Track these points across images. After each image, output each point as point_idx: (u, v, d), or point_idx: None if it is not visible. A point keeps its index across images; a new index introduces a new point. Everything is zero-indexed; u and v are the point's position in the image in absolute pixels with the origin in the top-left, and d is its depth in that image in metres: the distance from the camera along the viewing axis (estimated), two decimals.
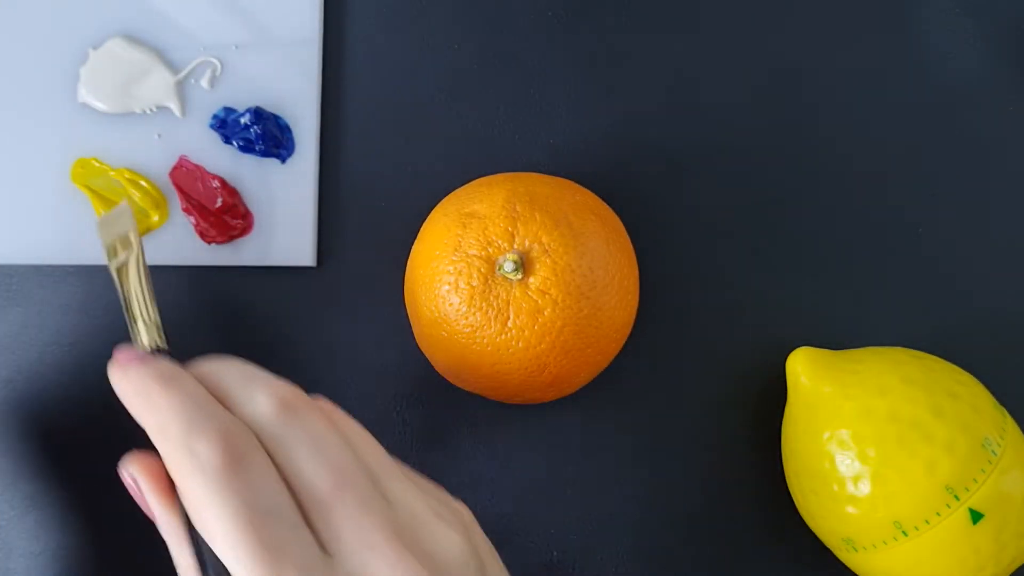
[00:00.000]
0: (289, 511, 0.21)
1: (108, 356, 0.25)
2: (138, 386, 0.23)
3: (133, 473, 0.23)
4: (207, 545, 0.21)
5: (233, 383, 0.24)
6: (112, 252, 0.28)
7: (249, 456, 0.21)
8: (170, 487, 0.23)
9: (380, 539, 0.21)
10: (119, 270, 0.28)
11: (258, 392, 0.23)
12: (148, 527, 0.33)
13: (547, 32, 0.36)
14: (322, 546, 0.21)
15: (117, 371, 0.24)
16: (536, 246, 0.28)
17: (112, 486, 0.33)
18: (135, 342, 0.26)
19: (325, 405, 0.24)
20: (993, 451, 0.27)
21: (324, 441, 0.23)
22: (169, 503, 0.23)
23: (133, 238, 0.28)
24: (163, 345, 0.26)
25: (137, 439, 0.26)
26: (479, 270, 0.28)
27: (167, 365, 0.24)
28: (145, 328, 0.26)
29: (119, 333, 0.26)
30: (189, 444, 0.21)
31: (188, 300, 0.33)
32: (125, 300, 0.27)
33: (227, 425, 0.22)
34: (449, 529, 0.23)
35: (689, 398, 0.34)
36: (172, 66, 0.34)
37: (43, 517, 0.33)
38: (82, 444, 0.33)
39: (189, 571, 0.22)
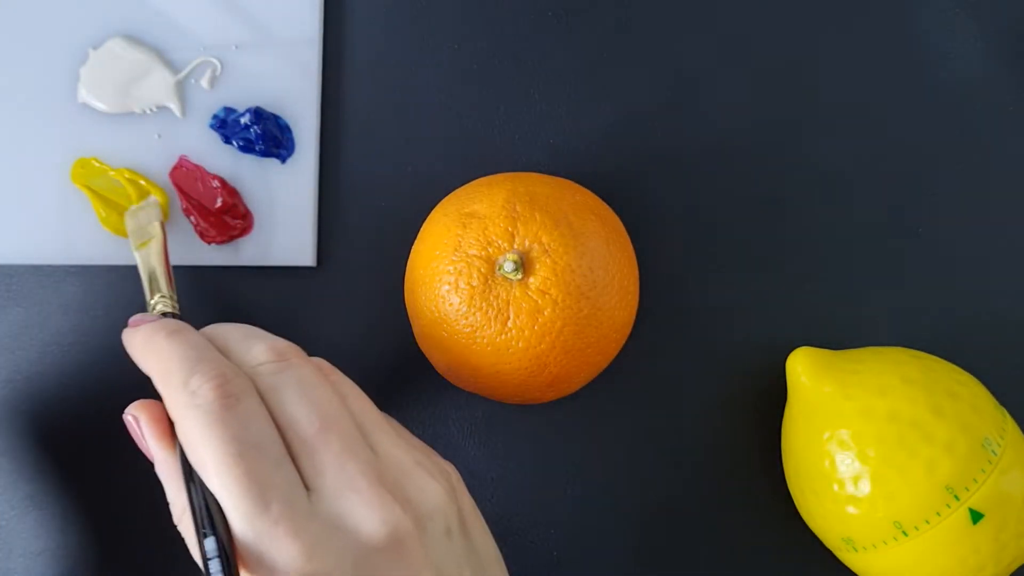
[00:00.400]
0: (276, 449, 0.22)
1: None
2: (146, 337, 0.25)
3: (135, 414, 0.25)
4: (199, 484, 0.22)
5: (234, 339, 0.25)
6: (136, 237, 0.31)
7: (243, 397, 0.23)
8: (169, 430, 0.24)
9: (363, 483, 0.22)
10: (142, 254, 0.30)
11: (256, 345, 0.25)
12: (148, 527, 0.33)
13: (547, 32, 0.36)
14: (307, 485, 0.22)
15: (129, 329, 0.26)
16: (536, 246, 0.28)
17: (112, 486, 0.33)
18: (151, 312, 0.28)
19: (321, 363, 0.26)
20: (993, 451, 0.27)
21: (314, 389, 0.24)
22: (167, 443, 0.24)
23: (157, 226, 0.31)
24: (175, 312, 0.28)
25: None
26: (479, 270, 0.28)
27: (174, 321, 0.26)
28: (161, 300, 0.28)
29: (119, 333, 0.27)
30: (188, 384, 0.23)
31: (188, 300, 0.33)
32: (147, 279, 0.29)
33: (224, 369, 0.23)
34: (432, 480, 0.24)
35: (689, 398, 0.34)
36: (172, 66, 0.34)
37: (43, 517, 0.33)
38: (82, 444, 0.33)
39: (183, 510, 0.23)
